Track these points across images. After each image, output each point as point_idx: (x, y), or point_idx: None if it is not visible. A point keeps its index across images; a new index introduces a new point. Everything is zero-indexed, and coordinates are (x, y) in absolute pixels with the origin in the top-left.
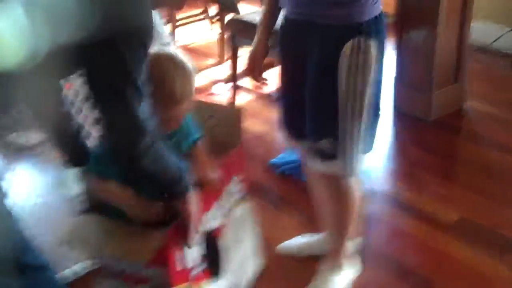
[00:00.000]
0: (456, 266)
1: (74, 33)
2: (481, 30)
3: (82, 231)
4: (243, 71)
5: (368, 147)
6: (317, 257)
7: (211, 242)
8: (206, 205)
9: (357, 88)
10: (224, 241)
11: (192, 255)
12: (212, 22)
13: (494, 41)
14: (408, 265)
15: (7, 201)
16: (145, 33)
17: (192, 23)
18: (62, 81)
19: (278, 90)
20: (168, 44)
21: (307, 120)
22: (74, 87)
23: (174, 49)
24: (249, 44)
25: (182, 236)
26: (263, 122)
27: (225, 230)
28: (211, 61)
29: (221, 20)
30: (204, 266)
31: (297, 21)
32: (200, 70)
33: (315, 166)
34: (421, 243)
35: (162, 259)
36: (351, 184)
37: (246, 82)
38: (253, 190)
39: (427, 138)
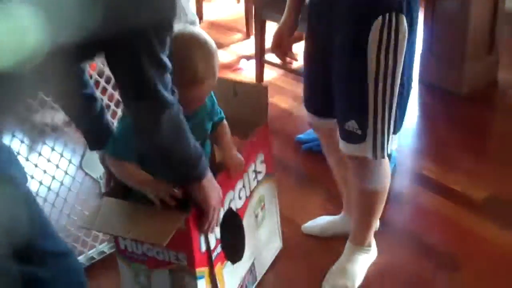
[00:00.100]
0: (482, 245)
1: (90, 24)
2: None
3: (104, 214)
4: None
5: (398, 127)
6: (338, 237)
7: (235, 221)
8: (230, 184)
9: (388, 67)
10: (247, 221)
11: (213, 237)
12: None
13: None
14: (433, 244)
15: (27, 186)
16: (168, 12)
17: None
18: (83, 64)
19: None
20: (193, 22)
21: (335, 101)
22: (98, 67)
23: (198, 28)
24: (277, 18)
25: (201, 222)
26: (291, 98)
27: (249, 209)
28: (238, 35)
29: None
30: (226, 246)
31: None
32: (226, 45)
33: (343, 148)
34: (447, 221)
35: (184, 242)
36: (381, 165)
37: (274, 57)
38: (279, 168)
39: (458, 112)
